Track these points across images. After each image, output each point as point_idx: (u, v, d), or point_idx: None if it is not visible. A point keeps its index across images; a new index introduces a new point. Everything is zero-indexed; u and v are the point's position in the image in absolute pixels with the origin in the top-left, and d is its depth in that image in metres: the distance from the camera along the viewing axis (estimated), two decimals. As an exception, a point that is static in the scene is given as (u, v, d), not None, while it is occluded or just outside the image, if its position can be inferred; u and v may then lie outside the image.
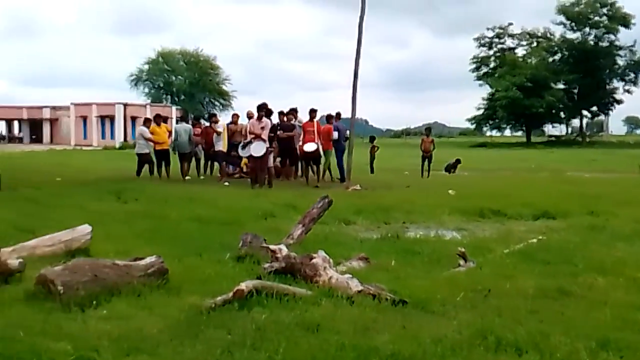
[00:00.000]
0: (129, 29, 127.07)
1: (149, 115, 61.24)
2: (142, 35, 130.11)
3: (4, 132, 74.05)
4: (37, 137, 70.14)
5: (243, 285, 5.57)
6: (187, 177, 20.00)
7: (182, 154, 20.42)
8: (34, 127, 71.62)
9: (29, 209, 12.02)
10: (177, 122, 56.87)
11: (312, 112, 19.27)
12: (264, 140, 17.59)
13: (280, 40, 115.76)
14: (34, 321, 4.86)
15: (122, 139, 60.91)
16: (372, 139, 30.13)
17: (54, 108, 69.61)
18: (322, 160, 19.58)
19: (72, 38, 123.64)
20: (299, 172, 20.56)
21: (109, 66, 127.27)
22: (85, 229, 7.66)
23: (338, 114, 20.34)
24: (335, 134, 19.57)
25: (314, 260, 6.54)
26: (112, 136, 62.68)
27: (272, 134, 18.47)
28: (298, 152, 19.29)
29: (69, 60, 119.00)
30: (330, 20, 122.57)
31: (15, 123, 73.72)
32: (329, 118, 20.23)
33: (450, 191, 16.64)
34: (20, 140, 70.70)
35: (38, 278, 5.62)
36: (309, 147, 18.62)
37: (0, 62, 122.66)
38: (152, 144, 20.14)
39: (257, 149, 17.69)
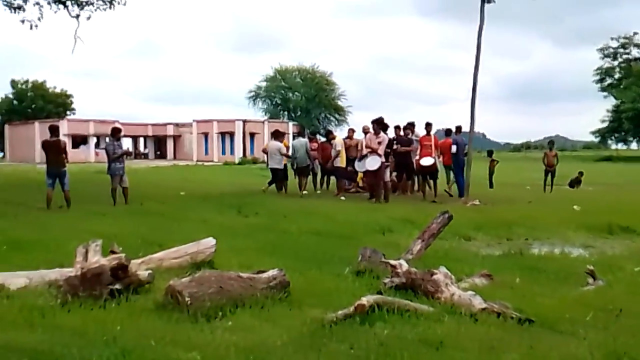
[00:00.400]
0: (249, 48, 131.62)
1: (267, 131, 62.80)
2: (261, 53, 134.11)
3: (131, 148, 77.54)
4: (161, 153, 73.07)
5: (364, 300, 5.54)
6: (304, 192, 20.22)
7: (300, 169, 20.62)
8: (159, 144, 74.67)
9: (155, 222, 12.51)
10: (294, 138, 57.97)
11: (428, 126, 19.15)
12: (379, 155, 17.56)
13: (397, 54, 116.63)
14: (164, 331, 5.01)
15: (241, 155, 62.49)
16: (490, 153, 29.54)
17: (177, 125, 72.32)
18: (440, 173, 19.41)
19: (195, 57, 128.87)
20: (416, 187, 20.40)
21: (229, 84, 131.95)
22: (209, 241, 7.87)
23: (458, 128, 20.07)
24: (454, 148, 19.28)
25: (435, 276, 6.44)
26: (232, 152, 64.35)
27: (389, 149, 18.40)
28: (415, 166, 19.17)
29: (191, 79, 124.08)
30: (447, 33, 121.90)
31: (141, 140, 77.06)
32: (447, 132, 19.98)
33: (575, 207, 16.06)
34: (145, 156, 73.79)
35: (166, 289, 5.81)
36: (426, 161, 18.47)
37: (127, 81, 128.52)
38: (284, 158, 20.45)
39: (372, 163, 17.68)
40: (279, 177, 20.31)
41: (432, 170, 18.76)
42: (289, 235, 10.98)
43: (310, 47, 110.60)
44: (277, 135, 20.91)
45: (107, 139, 18.44)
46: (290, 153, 20.78)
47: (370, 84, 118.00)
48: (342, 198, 18.93)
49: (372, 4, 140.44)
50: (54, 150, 15.28)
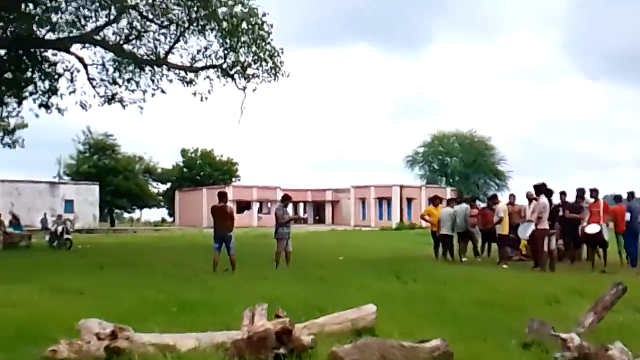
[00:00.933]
0: (407, 114, 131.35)
1: (424, 197, 62.42)
2: (419, 119, 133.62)
3: (291, 214, 79.40)
4: (320, 218, 74.46)
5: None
6: (464, 259, 19.76)
7: (459, 234, 20.24)
8: (318, 209, 76.20)
9: (315, 286, 12.63)
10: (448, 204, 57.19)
11: (594, 192, 18.24)
12: (532, 221, 16.91)
13: (559, 118, 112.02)
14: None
15: (398, 220, 62.39)
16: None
17: (335, 190, 73.63)
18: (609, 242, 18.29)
19: (355, 125, 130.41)
20: (584, 256, 19.37)
21: (386, 150, 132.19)
22: (370, 308, 7.81)
23: (630, 194, 18.96)
24: (628, 216, 18.17)
25: (610, 352, 6.02)
26: (389, 217, 64.43)
27: (553, 215, 17.65)
28: (580, 234, 18.25)
29: (350, 145, 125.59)
30: (614, 96, 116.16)
31: (301, 205, 78.97)
32: (617, 198, 18.91)
33: None
34: (305, 220, 75.40)
35: (330, 355, 5.78)
36: (592, 228, 17.53)
37: (289, 149, 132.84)
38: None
39: (525, 230, 17.20)
40: (447, 243, 20.01)
41: (598, 239, 17.76)
42: (450, 304, 10.69)
43: (469, 112, 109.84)
44: (449, 201, 20.79)
45: (277, 204, 19.07)
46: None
47: (532, 148, 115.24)
48: (505, 266, 18.30)
49: (534, 68, 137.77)
50: (221, 216, 15.95)
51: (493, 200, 20.66)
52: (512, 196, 20.89)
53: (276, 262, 16.81)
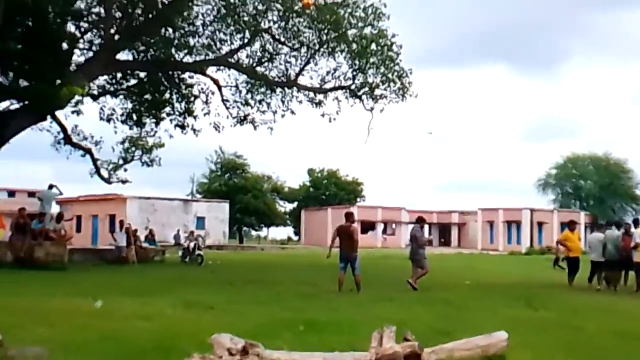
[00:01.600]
0: (538, 136, 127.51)
1: (556, 221, 60.27)
2: (551, 141, 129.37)
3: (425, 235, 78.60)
4: (445, 241, 73.38)
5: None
6: (598, 287, 18.83)
7: (610, 262, 19.16)
8: (443, 231, 75.15)
9: (442, 310, 12.41)
10: (589, 229, 54.85)
11: None
12: None
13: None
14: None
15: (528, 244, 60.50)
16: None
17: (462, 213, 72.40)
18: None
19: (483, 146, 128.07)
20: None
21: (515, 172, 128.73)
22: (501, 335, 7.57)
23: None
24: None
25: None
26: (518, 241, 62.59)
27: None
28: None
29: (478, 168, 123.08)
30: None
31: (426, 227, 78.09)
32: None
33: None
34: (430, 242, 74.47)
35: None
36: None
37: (414, 170, 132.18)
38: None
39: None
40: (599, 269, 19.10)
41: None
42: (585, 333, 10.20)
43: (604, 135, 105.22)
44: (599, 226, 20.03)
45: (414, 226, 19.10)
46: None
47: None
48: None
49: None
50: (347, 236, 16.00)
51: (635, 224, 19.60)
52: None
53: (412, 285, 16.62)
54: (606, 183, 69.38)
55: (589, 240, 19.33)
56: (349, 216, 16.49)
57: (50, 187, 23.80)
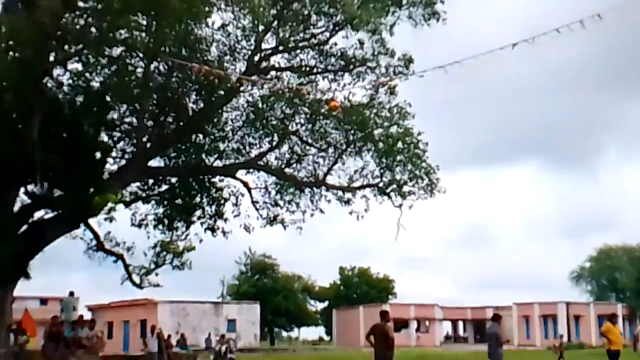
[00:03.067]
0: (573, 230, 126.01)
1: (592, 314, 59.02)
2: (585, 235, 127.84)
3: (450, 332, 77.33)
4: (481, 337, 71.73)
5: None
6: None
7: None
8: (478, 327, 73.64)
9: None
10: (624, 321, 53.45)
11: None
12: None
13: None
14: None
15: (566, 339, 58.96)
16: None
17: (496, 308, 70.92)
18: None
19: (519, 242, 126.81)
20: None
21: (549, 268, 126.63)
22: None
23: None
24: None
25: None
26: (555, 335, 61.03)
27: None
28: None
29: (513, 263, 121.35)
30: None
31: (460, 323, 76.71)
32: None
33: None
34: (465, 340, 73.01)
35: None
36: None
37: (448, 267, 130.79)
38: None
39: None
40: None
41: None
42: None
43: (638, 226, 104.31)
44: None
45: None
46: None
47: None
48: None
49: None
50: (382, 335, 15.79)
51: None
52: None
53: None
54: (641, 274, 68.06)
55: None
56: (384, 315, 16.33)
57: (71, 294, 23.91)
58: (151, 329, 28.57)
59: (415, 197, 26.67)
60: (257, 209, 28.63)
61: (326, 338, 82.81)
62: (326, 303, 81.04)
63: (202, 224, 28.69)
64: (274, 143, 26.60)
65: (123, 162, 26.82)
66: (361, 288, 78.97)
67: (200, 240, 29.04)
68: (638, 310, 64.20)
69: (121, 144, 27.07)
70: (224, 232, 28.72)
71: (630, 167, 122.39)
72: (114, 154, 26.89)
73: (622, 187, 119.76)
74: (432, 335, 67.36)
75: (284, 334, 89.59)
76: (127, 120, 26.16)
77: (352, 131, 25.22)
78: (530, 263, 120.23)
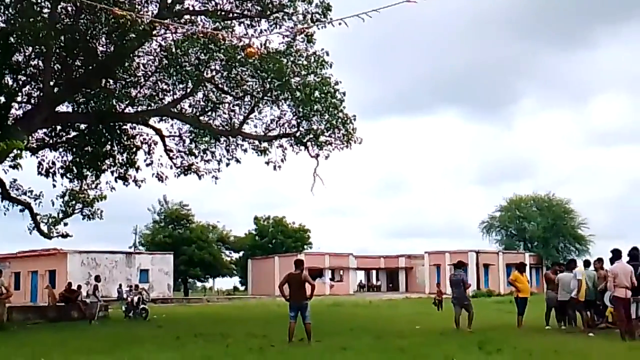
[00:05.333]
0: (489, 179, 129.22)
1: (501, 262, 60.96)
2: (500, 184, 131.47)
3: (364, 281, 78.75)
4: (393, 286, 73.47)
5: None
6: (547, 327, 18.93)
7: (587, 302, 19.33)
8: (391, 276, 75.28)
9: (397, 358, 12.24)
10: (534, 270, 55.34)
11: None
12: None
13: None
14: None
15: (475, 287, 60.82)
16: None
17: (409, 257, 72.66)
18: None
19: (434, 193, 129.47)
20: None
21: (464, 216, 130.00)
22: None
23: None
24: None
25: None
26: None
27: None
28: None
29: (427, 212, 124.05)
30: None
31: (373, 272, 78.15)
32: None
33: None
34: (378, 288, 74.54)
35: None
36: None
37: (363, 217, 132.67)
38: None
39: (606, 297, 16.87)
40: (563, 310, 19.21)
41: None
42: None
43: (552, 177, 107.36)
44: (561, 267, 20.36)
45: (457, 271, 19.85)
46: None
47: (620, 212, 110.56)
48: (591, 334, 17.41)
49: (622, 131, 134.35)
50: (297, 284, 15.72)
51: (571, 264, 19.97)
52: (599, 261, 19.95)
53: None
54: (550, 224, 70.51)
55: (561, 281, 19.36)
56: (299, 264, 16.24)
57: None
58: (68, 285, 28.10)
59: (332, 147, 26.64)
60: (170, 158, 28.10)
61: (241, 288, 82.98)
62: (241, 253, 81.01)
63: (113, 172, 27.98)
64: (189, 90, 25.92)
65: (29, 107, 25.81)
66: (277, 238, 79.13)
67: (112, 189, 28.36)
68: (545, 259, 66.73)
69: (27, 88, 26.04)
70: (136, 181, 28.09)
71: (545, 116, 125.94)
72: (19, 98, 25.84)
73: (537, 136, 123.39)
74: (346, 284, 68.29)
75: (199, 284, 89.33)
76: (33, 63, 25.07)
77: (269, 79, 24.78)
78: (445, 212, 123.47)
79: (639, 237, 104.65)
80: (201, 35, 22.53)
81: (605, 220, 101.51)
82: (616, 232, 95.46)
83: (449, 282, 20.11)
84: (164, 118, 27.75)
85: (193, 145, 27.71)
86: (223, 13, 24.87)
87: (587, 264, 20.63)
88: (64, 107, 26.27)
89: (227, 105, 27.37)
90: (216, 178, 28.23)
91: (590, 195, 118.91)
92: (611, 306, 17.54)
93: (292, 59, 24.95)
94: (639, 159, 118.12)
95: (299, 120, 26.37)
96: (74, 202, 26.88)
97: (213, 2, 24.86)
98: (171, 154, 28.08)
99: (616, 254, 16.49)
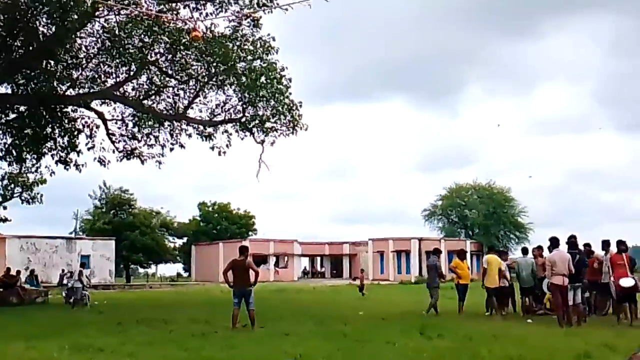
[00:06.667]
0: (432, 167, 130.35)
1: (444, 250, 61.87)
2: (444, 172, 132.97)
3: (308, 267, 79.09)
4: (337, 272, 73.93)
5: None
6: (487, 313, 19.33)
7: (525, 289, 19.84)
8: (335, 262, 75.73)
9: (339, 343, 12.33)
10: (475, 257, 56.26)
11: (621, 245, 17.72)
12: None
13: (588, 170, 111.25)
14: None
15: (417, 273, 61.65)
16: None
17: (353, 244, 73.21)
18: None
19: (379, 178, 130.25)
20: (609, 309, 18.86)
21: (407, 203, 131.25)
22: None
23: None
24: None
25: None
26: (408, 270, 63.72)
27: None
28: (615, 287, 17.64)
29: (372, 199, 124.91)
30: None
31: (318, 258, 78.55)
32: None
33: None
34: (322, 274, 74.95)
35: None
36: (626, 282, 16.99)
37: (309, 204, 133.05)
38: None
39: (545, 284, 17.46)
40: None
41: (632, 292, 17.21)
42: (480, 360, 10.35)
43: (496, 165, 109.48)
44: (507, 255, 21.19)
45: (432, 257, 20.77)
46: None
47: (558, 200, 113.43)
48: (529, 321, 17.84)
49: (564, 121, 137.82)
50: (241, 270, 15.69)
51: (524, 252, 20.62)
52: (538, 249, 20.45)
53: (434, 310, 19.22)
54: (490, 212, 71.80)
55: (521, 265, 19.82)
56: (243, 250, 16.20)
57: None
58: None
59: (278, 134, 26.61)
60: (113, 142, 27.64)
61: (184, 274, 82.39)
62: (185, 239, 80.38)
63: (53, 156, 27.40)
64: (132, 73, 25.49)
65: (-34, 87, 25.04)
66: (221, 224, 78.74)
67: (52, 173, 27.80)
68: (485, 246, 67.96)
69: (-36, 68, 25.20)
70: (77, 166, 27.54)
71: (489, 105, 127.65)
72: (-45, 78, 25.03)
73: (480, 125, 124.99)
74: (290, 270, 68.45)
75: (141, 270, 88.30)
76: (-30, 42, 24.27)
77: (215, 64, 24.58)
78: (389, 198, 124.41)
79: (577, 225, 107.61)
80: (145, 17, 22.20)
81: (545, 208, 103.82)
82: (555, 220, 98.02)
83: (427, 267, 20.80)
84: (106, 101, 27.27)
85: (136, 130, 27.35)
86: (168, -5, 24.51)
87: (525, 251, 21.23)
88: (2, 89, 25.60)
89: (171, 89, 27.05)
90: (160, 163, 27.93)
91: (530, 184, 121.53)
92: (549, 293, 18.03)
93: (238, 43, 24.77)
94: (579, 148, 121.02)
95: (244, 106, 26.24)
96: (12, 185, 26.30)
97: (158, -16, 24.47)
98: (113, 138, 27.63)
99: (554, 242, 16.89)
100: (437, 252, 21.08)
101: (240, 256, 15.91)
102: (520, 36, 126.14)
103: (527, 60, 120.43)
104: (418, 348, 11.66)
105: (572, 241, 17.18)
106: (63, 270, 40.77)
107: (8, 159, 27.03)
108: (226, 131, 27.14)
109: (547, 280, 17.28)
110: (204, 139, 27.09)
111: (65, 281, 31.69)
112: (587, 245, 18.77)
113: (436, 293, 19.56)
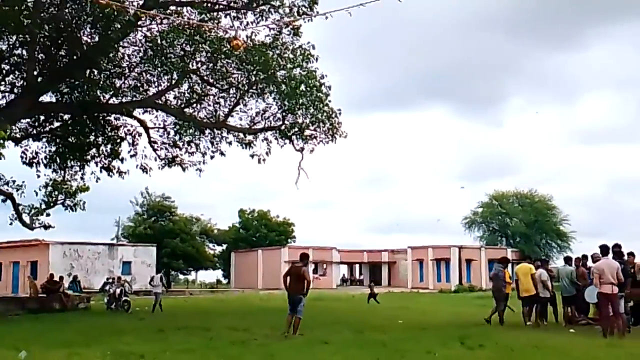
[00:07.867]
0: (474, 176, 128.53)
1: (484, 258, 61.13)
2: (487, 181, 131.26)
3: (347, 275, 78.91)
4: (376, 280, 73.59)
5: None
6: (528, 323, 19.01)
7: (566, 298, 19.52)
8: (374, 270, 75.41)
9: (378, 353, 12.24)
10: (513, 265, 55.65)
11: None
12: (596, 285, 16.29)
13: (633, 180, 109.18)
14: None
15: (457, 282, 61.10)
16: None
17: (392, 251, 72.83)
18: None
19: (420, 187, 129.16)
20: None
21: (447, 212, 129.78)
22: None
23: None
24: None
25: None
26: (448, 279, 63.11)
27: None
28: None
29: (411, 208, 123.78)
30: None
31: (357, 266, 78.34)
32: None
33: None
34: (360, 282, 74.70)
35: None
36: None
37: (351, 212, 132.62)
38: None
39: (590, 294, 16.89)
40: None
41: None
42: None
43: (537, 174, 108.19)
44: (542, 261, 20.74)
45: (498, 265, 20.19)
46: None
47: (602, 210, 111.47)
48: (572, 331, 17.53)
49: (608, 130, 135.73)
50: (295, 276, 15.75)
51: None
52: (580, 258, 20.14)
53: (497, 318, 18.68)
54: (532, 220, 70.75)
55: (561, 274, 19.64)
56: (303, 257, 16.28)
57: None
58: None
59: (317, 141, 26.64)
60: (154, 150, 27.97)
61: (224, 281, 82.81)
62: (224, 246, 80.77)
63: (97, 163, 27.81)
64: (173, 81, 25.80)
65: (12, 96, 25.57)
66: (260, 231, 79.00)
67: (97, 180, 28.20)
68: (527, 254, 66.95)
69: (10, 77, 25.79)
70: (120, 173, 27.93)
71: (533, 114, 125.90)
72: (2, 87, 25.63)
73: (523, 134, 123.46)
74: (329, 277, 68.36)
75: (181, 277, 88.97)
76: (17, 52, 24.78)
77: (255, 72, 24.72)
78: (429, 207, 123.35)
79: (620, 234, 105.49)
80: (187, 26, 22.44)
81: (587, 217, 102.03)
82: (598, 230, 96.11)
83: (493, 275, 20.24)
84: (148, 109, 27.61)
85: (177, 137, 27.62)
86: (209, 4, 24.74)
87: (567, 260, 20.88)
88: (47, 97, 26.07)
89: (212, 97, 27.27)
90: (200, 170, 28.19)
91: (573, 193, 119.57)
92: (593, 302, 17.70)
93: (277, 51, 24.91)
94: (622, 158, 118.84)
95: (284, 114, 26.33)
96: (56, 192, 26.70)
97: (199, -7, 24.71)
98: (155, 146, 27.96)
99: (603, 250, 16.57)
100: (503, 261, 20.58)
101: (299, 263, 15.97)
102: (564, 46, 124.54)
103: (571, 70, 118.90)
104: (459, 358, 11.54)
105: (616, 250, 16.88)
106: (108, 278, 41.36)
107: (52, 167, 27.49)
108: (266, 139, 27.27)
109: (588, 289, 16.98)
110: (244, 146, 27.25)
111: (107, 287, 32.12)
112: (630, 254, 18.38)
113: (502, 303, 19.18)
